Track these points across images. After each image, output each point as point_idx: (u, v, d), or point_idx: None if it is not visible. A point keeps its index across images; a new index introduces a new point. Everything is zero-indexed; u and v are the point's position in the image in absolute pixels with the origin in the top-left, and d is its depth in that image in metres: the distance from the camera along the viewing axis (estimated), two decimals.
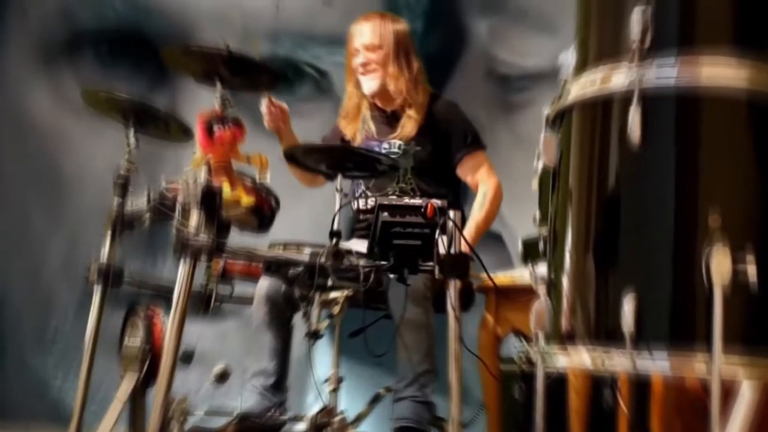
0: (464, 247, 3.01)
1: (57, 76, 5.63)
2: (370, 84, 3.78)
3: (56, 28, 5.67)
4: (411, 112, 3.73)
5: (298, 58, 5.38)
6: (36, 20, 5.70)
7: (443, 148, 3.73)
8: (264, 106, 3.69)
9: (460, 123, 3.79)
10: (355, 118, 3.88)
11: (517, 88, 5.37)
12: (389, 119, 3.82)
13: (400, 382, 3.25)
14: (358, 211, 3.78)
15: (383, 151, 3.69)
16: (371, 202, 3.70)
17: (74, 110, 5.12)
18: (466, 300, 3.34)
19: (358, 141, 3.84)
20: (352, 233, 3.78)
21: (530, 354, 2.28)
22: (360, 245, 3.32)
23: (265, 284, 3.47)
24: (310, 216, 4.23)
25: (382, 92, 3.78)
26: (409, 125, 3.73)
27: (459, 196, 3.86)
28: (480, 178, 3.74)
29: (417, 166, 3.64)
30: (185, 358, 3.03)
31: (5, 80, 5.68)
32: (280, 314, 3.46)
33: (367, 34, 3.77)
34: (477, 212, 3.69)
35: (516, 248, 3.71)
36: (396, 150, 3.71)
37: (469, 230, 3.57)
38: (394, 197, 3.49)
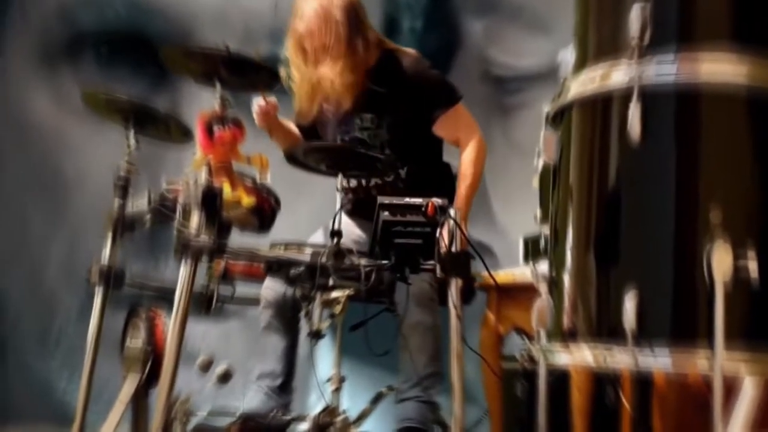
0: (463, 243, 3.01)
1: (57, 77, 5.63)
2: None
3: (56, 29, 5.67)
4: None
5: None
6: (36, 21, 5.70)
7: (418, 108, 3.58)
8: (257, 105, 3.63)
9: (431, 79, 3.63)
10: (313, 100, 3.62)
11: (512, 90, 5.34)
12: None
13: (404, 383, 3.25)
14: (343, 189, 3.68)
15: (357, 128, 3.60)
16: (353, 181, 3.61)
17: (75, 111, 5.11)
18: (467, 294, 3.33)
19: (325, 120, 3.71)
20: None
21: (532, 352, 2.27)
22: (347, 223, 3.30)
23: (271, 286, 3.47)
24: (311, 215, 4.22)
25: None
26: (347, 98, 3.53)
27: (441, 152, 3.75)
28: (459, 136, 3.63)
29: (394, 138, 3.57)
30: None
31: (5, 81, 5.69)
32: (287, 316, 3.46)
33: (315, 35, 3.51)
34: (462, 180, 3.58)
35: (509, 251, 3.69)
36: (369, 124, 3.60)
37: (458, 202, 3.50)
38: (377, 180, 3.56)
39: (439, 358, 3.27)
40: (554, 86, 2.28)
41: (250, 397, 3.40)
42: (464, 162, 3.61)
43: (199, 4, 5.58)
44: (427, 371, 3.24)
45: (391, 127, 3.57)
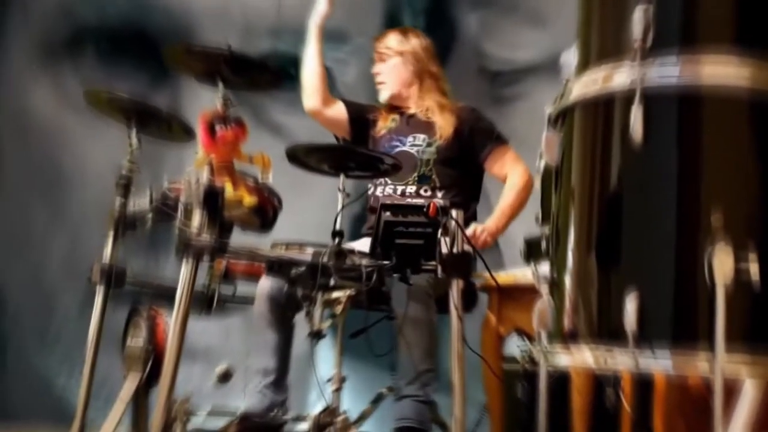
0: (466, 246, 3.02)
1: (58, 73, 5.62)
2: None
3: (58, 25, 5.67)
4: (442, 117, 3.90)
5: (300, 55, 5.36)
6: (37, 17, 5.69)
7: (467, 148, 3.86)
8: None
9: (482, 122, 3.94)
10: (387, 118, 4.03)
11: (507, 83, 5.37)
12: (420, 120, 3.95)
13: (401, 380, 3.25)
14: (375, 197, 3.80)
15: (408, 144, 3.85)
16: (389, 189, 3.79)
17: (75, 108, 5.11)
18: (469, 301, 3.35)
19: (382, 133, 3.98)
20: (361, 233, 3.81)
21: (533, 353, 2.27)
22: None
23: (267, 283, 3.46)
24: (313, 215, 4.22)
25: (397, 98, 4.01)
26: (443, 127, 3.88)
27: (479, 192, 3.95)
28: (508, 169, 3.85)
29: (441, 159, 3.79)
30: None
31: (6, 78, 5.67)
32: (282, 312, 3.45)
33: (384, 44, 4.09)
34: (507, 195, 3.79)
35: (510, 250, 3.70)
36: (420, 143, 3.85)
37: (497, 213, 3.64)
38: (413, 187, 3.72)
39: (434, 355, 3.28)
40: (550, 79, 2.28)
41: (247, 396, 3.40)
42: (507, 186, 3.84)
43: (200, 1, 5.58)
44: (422, 367, 3.24)
45: (440, 149, 3.83)
